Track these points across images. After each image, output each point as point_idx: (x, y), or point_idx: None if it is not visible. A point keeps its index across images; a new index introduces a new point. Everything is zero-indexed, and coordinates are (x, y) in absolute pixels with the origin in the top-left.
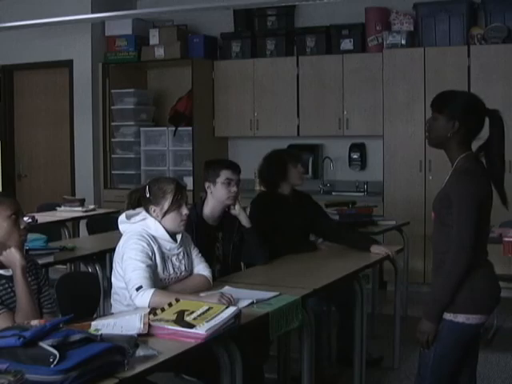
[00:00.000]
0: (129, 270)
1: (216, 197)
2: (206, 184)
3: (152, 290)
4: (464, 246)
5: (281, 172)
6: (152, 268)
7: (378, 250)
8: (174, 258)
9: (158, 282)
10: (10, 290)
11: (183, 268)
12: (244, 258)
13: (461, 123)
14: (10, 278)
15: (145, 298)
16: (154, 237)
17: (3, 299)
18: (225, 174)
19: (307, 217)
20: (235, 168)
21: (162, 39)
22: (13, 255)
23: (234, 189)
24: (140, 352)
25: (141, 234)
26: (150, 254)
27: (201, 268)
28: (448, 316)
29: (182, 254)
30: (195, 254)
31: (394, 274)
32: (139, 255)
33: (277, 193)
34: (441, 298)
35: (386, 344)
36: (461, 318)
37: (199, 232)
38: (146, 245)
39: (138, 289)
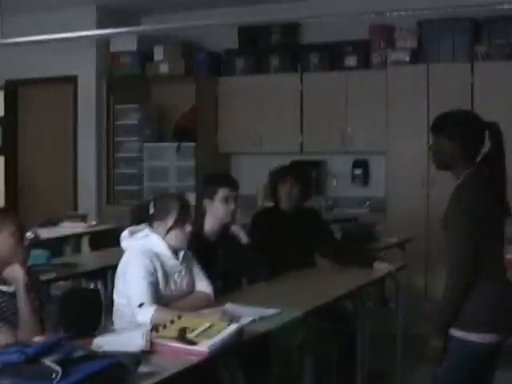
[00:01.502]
0: (131, 286)
1: (214, 214)
2: (205, 201)
3: (154, 307)
4: (459, 260)
5: (271, 191)
6: (154, 285)
7: (380, 267)
8: (175, 275)
9: (160, 298)
10: (12, 306)
11: (185, 285)
12: (244, 275)
13: (460, 142)
14: (13, 294)
15: (147, 314)
16: (156, 254)
17: (6, 315)
18: (223, 192)
19: (310, 234)
20: (233, 184)
21: (167, 55)
22: (16, 272)
23: (231, 206)
24: (142, 369)
25: (143, 250)
26: (153, 270)
27: (203, 285)
28: (458, 333)
29: (183, 271)
30: (197, 271)
31: (396, 291)
32: (141, 272)
33: (278, 209)
34: (443, 311)
35: (388, 361)
36: (471, 337)
37: (200, 248)
38: (148, 262)
39: (139, 306)
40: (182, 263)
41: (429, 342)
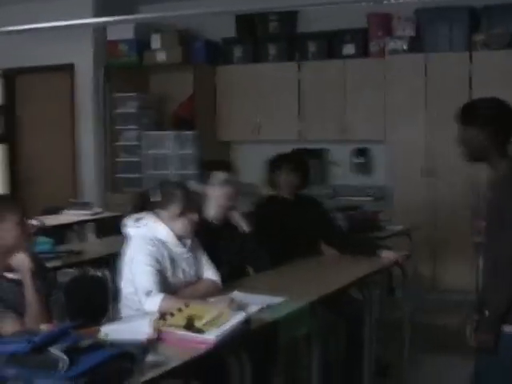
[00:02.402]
0: (138, 274)
1: (213, 197)
2: (203, 186)
3: (161, 295)
4: None
5: (270, 178)
6: (161, 273)
7: (387, 256)
8: (183, 263)
9: (167, 286)
10: (19, 293)
11: (193, 273)
12: (247, 262)
13: (492, 128)
14: (20, 282)
15: (154, 302)
16: (162, 241)
17: (13, 303)
18: (219, 175)
19: (312, 222)
20: (228, 167)
21: (164, 44)
22: (22, 259)
23: (229, 189)
24: (149, 358)
25: (149, 238)
26: (160, 258)
27: (210, 273)
28: (508, 328)
29: (191, 258)
30: (204, 259)
31: (403, 280)
32: (148, 260)
33: (279, 197)
34: (495, 306)
35: (395, 350)
36: None
37: (204, 233)
38: (154, 249)
39: (147, 294)
40: (189, 251)
41: (478, 335)
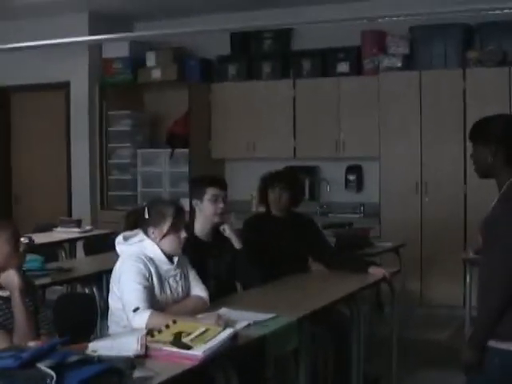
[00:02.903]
0: (126, 291)
1: (204, 214)
2: (194, 201)
3: (149, 312)
4: (502, 272)
5: (261, 196)
6: (149, 289)
7: (375, 272)
8: (171, 280)
9: (155, 303)
10: (7, 310)
11: (180, 290)
12: (237, 279)
13: (498, 146)
14: (7, 299)
15: (142, 319)
16: (151, 258)
17: (1, 320)
18: (211, 191)
19: (303, 240)
20: (221, 184)
21: (159, 61)
22: (11, 277)
23: (220, 205)
24: (137, 373)
25: (138, 255)
26: (147, 275)
27: (198, 290)
28: (495, 344)
29: (179, 275)
30: (192, 275)
31: (391, 296)
32: (136, 277)
33: (270, 214)
34: (481, 323)
35: (383, 366)
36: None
37: (193, 249)
38: (142, 266)
39: (135, 310)
40: (176, 268)
41: (463, 353)
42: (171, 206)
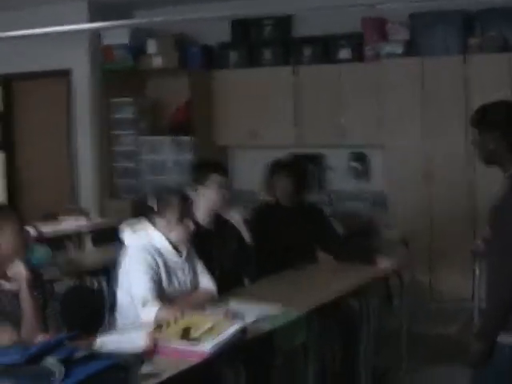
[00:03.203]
0: (135, 284)
1: (207, 200)
2: (197, 187)
3: (158, 305)
4: None
5: (267, 184)
6: (158, 282)
7: (384, 264)
8: (179, 273)
9: (163, 295)
10: (15, 304)
11: (188, 282)
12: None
13: (501, 132)
14: (16, 292)
15: (151, 312)
16: (158, 250)
17: (9, 313)
18: (215, 177)
19: (311, 229)
20: (225, 170)
21: (160, 49)
22: (19, 269)
23: (224, 192)
24: (144, 369)
25: (146, 247)
26: (155, 267)
27: (205, 282)
28: (506, 337)
29: (187, 268)
30: (200, 267)
31: (400, 289)
32: (145, 269)
33: (278, 204)
34: (490, 315)
35: (392, 359)
36: None
37: (196, 236)
38: (149, 257)
39: (143, 303)
40: (185, 260)
41: (472, 345)
42: (177, 195)
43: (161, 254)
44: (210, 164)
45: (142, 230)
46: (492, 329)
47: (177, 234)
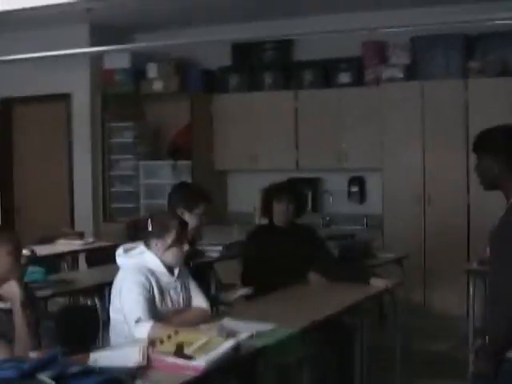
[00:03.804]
0: (127, 302)
1: (191, 223)
2: (181, 210)
3: (151, 322)
4: None
5: (266, 208)
6: (150, 301)
7: (377, 283)
8: (171, 291)
9: (156, 314)
10: (8, 321)
11: (181, 301)
12: None
13: (503, 156)
14: (9, 311)
15: (144, 329)
16: (151, 271)
17: (2, 331)
18: (204, 206)
19: (305, 250)
20: (210, 200)
21: (160, 73)
22: (13, 289)
23: (204, 218)
24: None
25: (138, 268)
26: (148, 287)
27: (199, 300)
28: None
29: (179, 287)
30: (193, 286)
31: (394, 307)
32: (137, 288)
33: (273, 225)
34: (493, 335)
35: (387, 376)
36: None
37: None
38: (143, 278)
39: (136, 321)
40: (177, 279)
41: (477, 361)
42: (175, 218)
43: (153, 275)
44: (201, 193)
45: (135, 251)
46: (498, 348)
47: (172, 255)
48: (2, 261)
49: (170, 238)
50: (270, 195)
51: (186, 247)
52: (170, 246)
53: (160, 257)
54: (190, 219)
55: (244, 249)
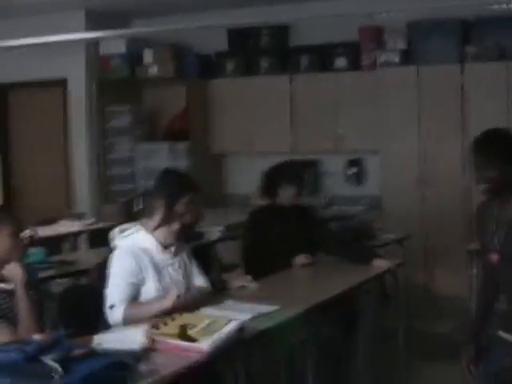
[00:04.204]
0: (108, 287)
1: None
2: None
3: (123, 307)
4: None
5: (270, 188)
6: (134, 285)
7: (379, 264)
8: (169, 268)
9: (151, 294)
10: (11, 303)
11: (181, 277)
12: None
13: (501, 161)
14: (12, 292)
15: (116, 314)
16: (145, 249)
17: (5, 313)
18: (190, 197)
19: (307, 230)
20: (198, 189)
21: (156, 58)
22: (15, 270)
23: (195, 208)
24: (142, 366)
25: (130, 248)
26: (138, 269)
27: (200, 280)
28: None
29: (177, 264)
30: (195, 267)
31: (396, 288)
32: (121, 273)
33: (275, 205)
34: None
35: (390, 356)
36: None
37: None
38: (131, 262)
39: (110, 307)
40: (174, 256)
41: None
42: (164, 196)
43: (147, 253)
44: (185, 182)
45: (130, 232)
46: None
47: (162, 234)
48: (3, 242)
49: (158, 217)
50: (277, 176)
51: (176, 226)
52: (159, 225)
53: (153, 234)
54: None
55: (246, 229)
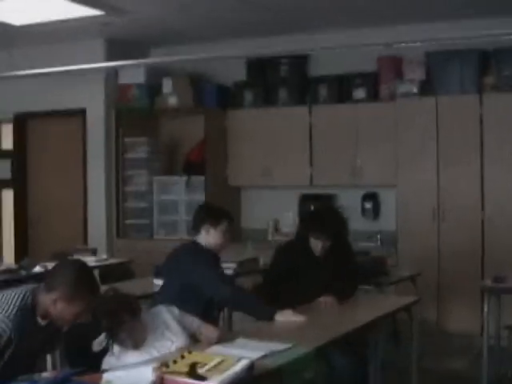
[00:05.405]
0: None
1: (215, 240)
2: (209, 228)
3: None
4: None
5: (303, 233)
6: None
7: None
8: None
9: None
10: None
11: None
12: None
13: None
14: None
15: None
16: None
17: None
18: (226, 224)
19: (334, 277)
20: (232, 219)
21: (175, 88)
22: None
23: (228, 236)
24: None
25: None
26: None
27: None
28: None
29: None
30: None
31: (409, 325)
32: None
33: (306, 244)
34: None
35: None
36: None
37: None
38: None
39: None
40: None
41: None
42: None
43: None
44: (222, 211)
45: None
46: None
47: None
48: (70, 311)
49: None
50: (307, 229)
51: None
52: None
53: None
54: (215, 235)
55: (274, 259)
